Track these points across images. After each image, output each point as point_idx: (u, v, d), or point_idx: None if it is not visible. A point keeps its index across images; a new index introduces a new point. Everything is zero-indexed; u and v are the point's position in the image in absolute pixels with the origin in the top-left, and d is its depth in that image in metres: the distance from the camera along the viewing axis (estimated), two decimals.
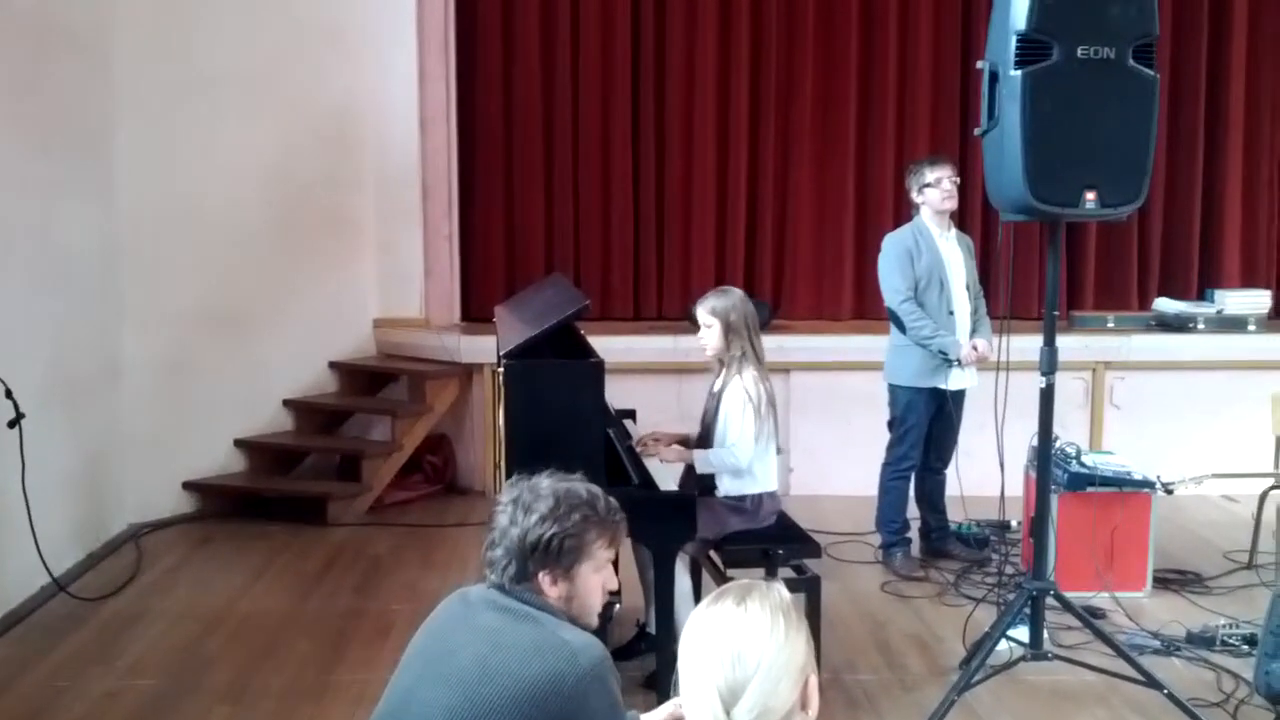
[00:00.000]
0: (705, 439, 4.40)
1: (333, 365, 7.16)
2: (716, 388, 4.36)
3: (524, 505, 2.34)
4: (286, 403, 6.99)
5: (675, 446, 4.41)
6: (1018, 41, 3.69)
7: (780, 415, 4.22)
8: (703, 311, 4.36)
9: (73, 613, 5.06)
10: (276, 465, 6.89)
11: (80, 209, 5.76)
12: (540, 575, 2.31)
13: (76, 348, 5.70)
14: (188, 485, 6.58)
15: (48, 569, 5.12)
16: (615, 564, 2.44)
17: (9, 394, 4.78)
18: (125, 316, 6.18)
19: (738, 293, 4.40)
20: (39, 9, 5.39)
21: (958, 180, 5.49)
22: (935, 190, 5.40)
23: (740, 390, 4.23)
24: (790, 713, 1.66)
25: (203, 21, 6.46)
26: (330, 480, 6.86)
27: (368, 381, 7.26)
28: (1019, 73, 3.68)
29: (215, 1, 6.52)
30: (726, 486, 4.32)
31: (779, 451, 4.44)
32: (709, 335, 4.33)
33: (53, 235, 5.45)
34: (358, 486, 6.63)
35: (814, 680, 1.70)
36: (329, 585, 5.49)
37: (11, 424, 4.81)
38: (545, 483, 2.38)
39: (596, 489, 2.41)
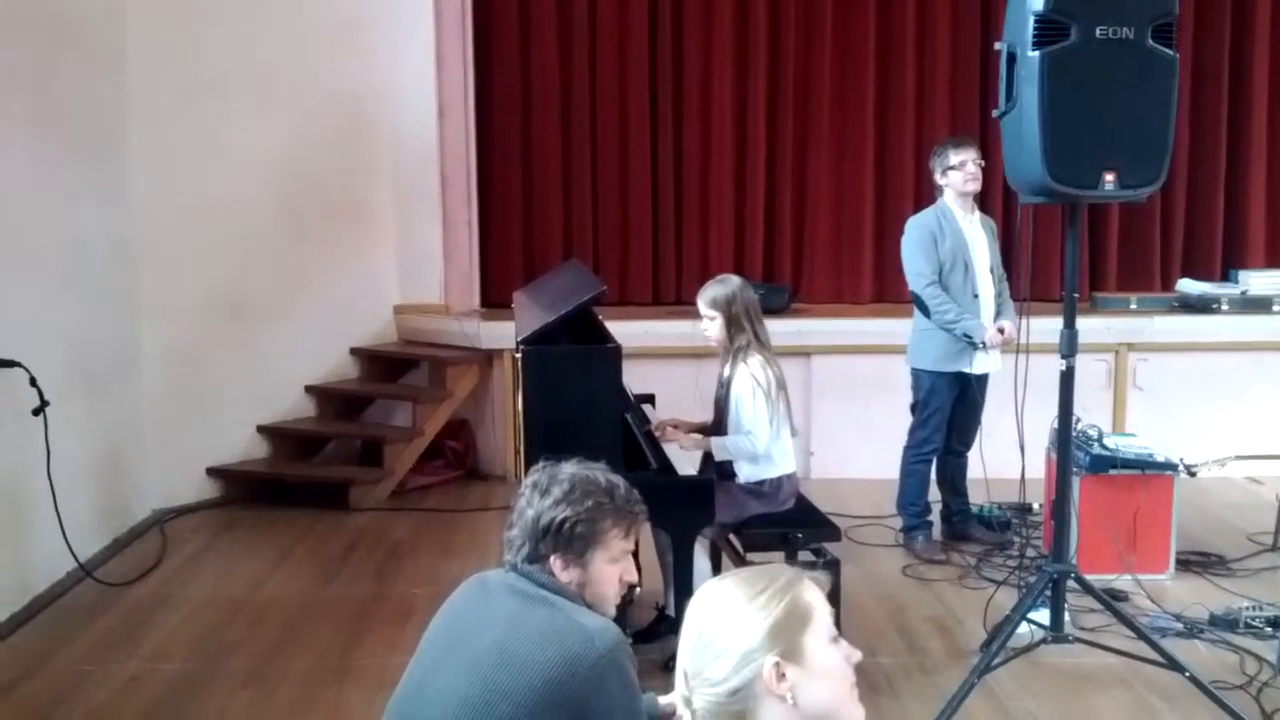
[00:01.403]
0: (718, 427, 4.41)
1: (354, 352, 7.19)
2: (725, 375, 4.37)
3: (541, 488, 2.36)
4: (308, 389, 7.02)
5: (694, 435, 4.42)
6: (1036, 22, 3.65)
7: (800, 398, 4.23)
8: (703, 303, 4.37)
9: (98, 598, 5.11)
10: (299, 451, 6.94)
11: (95, 206, 5.79)
12: (552, 558, 2.32)
13: (96, 340, 5.74)
14: (211, 471, 6.63)
15: (74, 554, 5.17)
16: (635, 553, 2.44)
17: (33, 381, 4.82)
18: (143, 308, 6.22)
19: (736, 280, 4.40)
20: (51, 8, 5.40)
21: (982, 163, 5.45)
22: (959, 173, 5.36)
23: (748, 376, 4.23)
24: (738, 689, 1.66)
25: (216, 12, 6.46)
26: (352, 466, 6.89)
27: (389, 368, 7.29)
28: (1037, 54, 3.65)
29: None
30: (746, 473, 4.32)
31: (794, 433, 4.44)
32: (711, 326, 4.35)
33: (69, 232, 5.48)
34: (379, 472, 6.66)
35: (772, 664, 1.65)
36: (350, 570, 5.52)
37: (36, 411, 4.85)
38: (567, 469, 2.39)
39: (617, 478, 2.42)
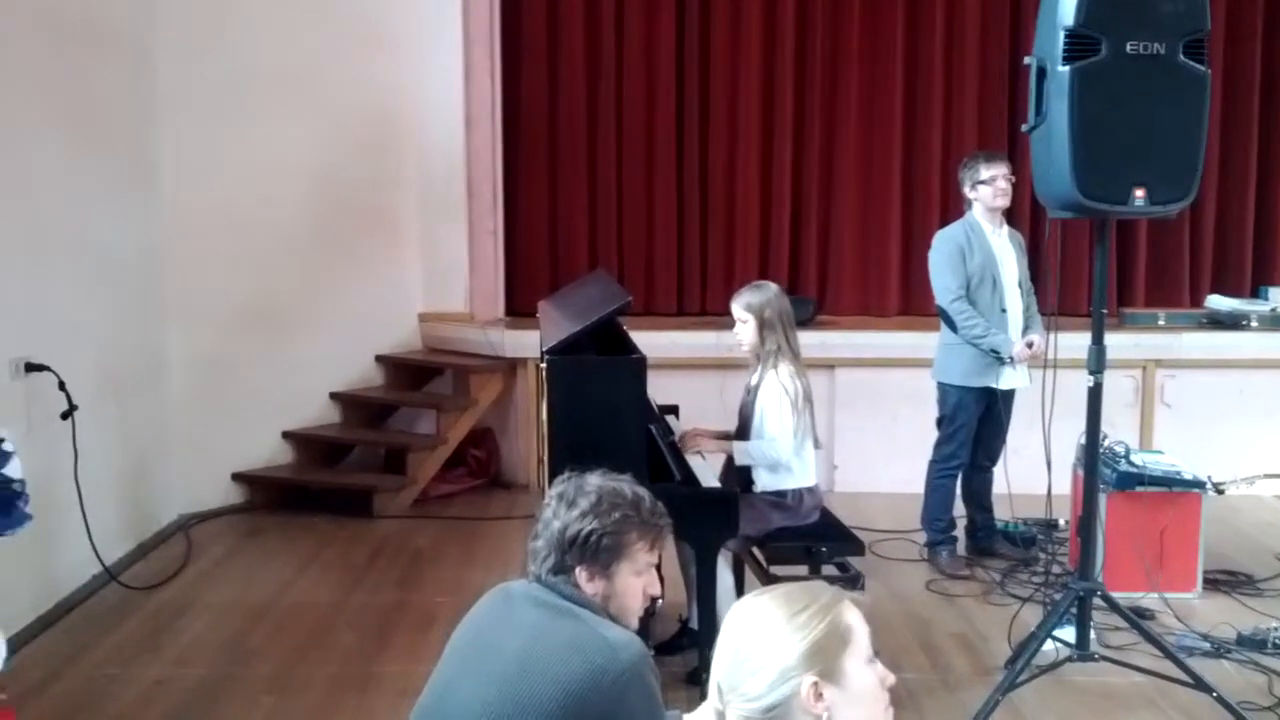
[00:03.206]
0: (742, 434, 4.40)
1: (379, 359, 7.22)
2: (753, 383, 4.36)
3: (568, 500, 2.35)
4: (333, 396, 7.05)
5: (717, 440, 4.42)
6: (1066, 37, 3.64)
7: (825, 412, 4.22)
8: (738, 307, 4.36)
9: (123, 602, 5.14)
10: (323, 458, 6.97)
11: (125, 209, 5.84)
12: (578, 570, 2.32)
13: (124, 344, 5.79)
14: (236, 477, 6.67)
15: (99, 558, 5.21)
16: (658, 566, 2.44)
17: (62, 386, 4.86)
18: (172, 314, 6.25)
19: (773, 288, 4.40)
20: (82, 9, 5.45)
21: (1013, 179, 5.43)
22: (989, 188, 5.34)
23: (777, 385, 4.22)
24: (774, 706, 1.66)
25: (245, 20, 6.51)
26: (376, 473, 6.92)
27: (413, 375, 7.31)
28: (1067, 68, 3.64)
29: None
30: (764, 481, 4.31)
31: (817, 446, 4.43)
32: (744, 331, 4.34)
33: (98, 235, 5.52)
34: (403, 479, 6.68)
35: (810, 684, 1.65)
36: (374, 577, 5.54)
37: (64, 415, 4.89)
38: (593, 480, 2.39)
39: (643, 491, 2.41)
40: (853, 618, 1.72)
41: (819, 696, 1.66)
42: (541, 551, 2.34)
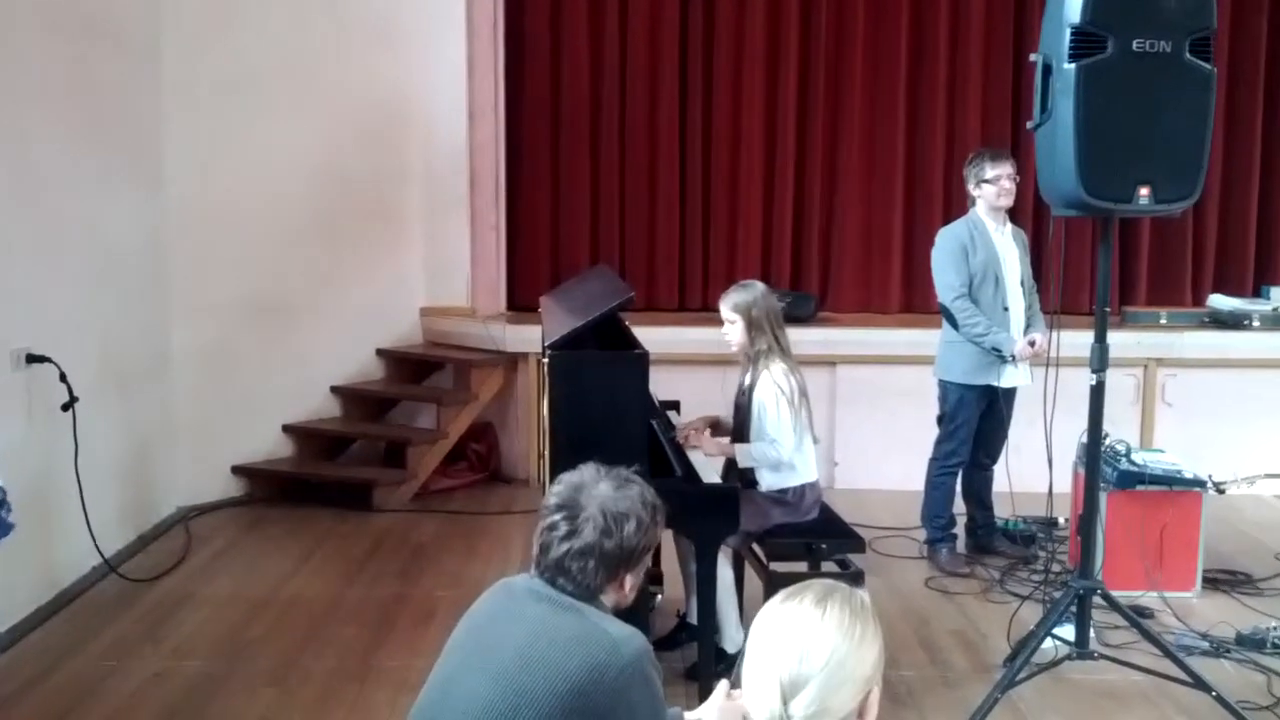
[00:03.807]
0: (739, 433, 4.39)
1: (380, 353, 7.22)
2: (747, 383, 4.36)
3: (611, 515, 2.31)
4: (334, 390, 7.05)
5: (717, 441, 4.42)
6: (1072, 34, 3.63)
7: (826, 408, 4.21)
8: (725, 308, 4.36)
9: (123, 594, 5.14)
10: (323, 451, 6.96)
11: (129, 203, 5.83)
12: (626, 578, 2.35)
13: (127, 337, 5.78)
14: (236, 470, 6.67)
15: (99, 550, 5.21)
16: (656, 555, 2.45)
17: (63, 377, 4.86)
18: (174, 307, 6.25)
19: (760, 286, 4.39)
20: (87, 4, 5.45)
21: (1017, 179, 5.41)
22: (993, 187, 5.32)
23: (771, 384, 4.22)
24: (845, 717, 1.68)
25: (250, 14, 6.50)
26: (376, 467, 6.91)
27: (414, 369, 7.31)
28: (1073, 66, 3.63)
29: None
30: (768, 481, 4.31)
31: (815, 441, 4.43)
32: (733, 331, 4.34)
33: (103, 229, 5.52)
34: (403, 473, 6.68)
35: (876, 693, 1.71)
36: (373, 571, 5.54)
37: (65, 407, 4.89)
38: (609, 491, 2.35)
39: (650, 491, 2.41)
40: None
41: (868, 705, 1.72)
42: (592, 568, 2.30)
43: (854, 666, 1.68)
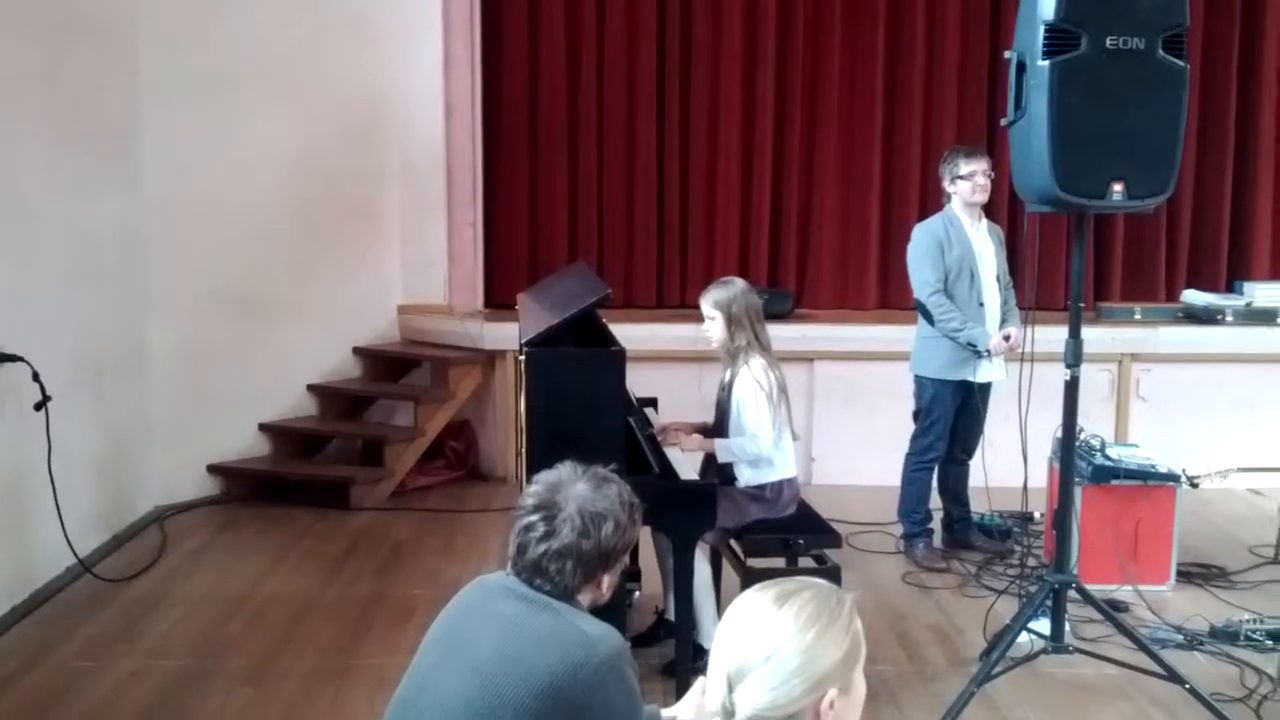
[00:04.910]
0: (719, 429, 4.40)
1: (357, 351, 7.19)
2: (727, 379, 4.37)
3: (587, 516, 2.30)
4: (311, 388, 7.02)
5: (696, 436, 4.42)
6: (1046, 31, 3.66)
7: (803, 404, 4.23)
8: (705, 304, 4.37)
9: (97, 593, 5.11)
10: (300, 450, 6.94)
11: (106, 199, 5.79)
12: (604, 579, 2.34)
13: (102, 334, 5.74)
14: (212, 469, 6.63)
15: (73, 550, 5.17)
16: (634, 552, 2.45)
17: (36, 377, 4.83)
18: (150, 304, 6.22)
19: (740, 283, 4.40)
20: (64, 1, 5.40)
21: (992, 175, 5.44)
22: (968, 183, 5.35)
23: (751, 380, 4.23)
24: (793, 715, 1.64)
25: (227, 11, 6.47)
26: (353, 465, 6.89)
27: (391, 367, 7.28)
28: (1047, 63, 3.65)
29: None
30: (746, 477, 4.32)
31: (795, 437, 4.44)
32: (713, 327, 4.34)
33: (79, 225, 5.48)
34: (380, 471, 6.66)
35: (833, 695, 1.66)
36: (351, 569, 5.52)
37: (38, 406, 4.85)
38: (604, 490, 2.35)
39: (627, 489, 2.41)
40: (859, 625, 1.73)
41: (830, 706, 1.67)
42: (569, 569, 2.29)
43: (803, 663, 1.64)
